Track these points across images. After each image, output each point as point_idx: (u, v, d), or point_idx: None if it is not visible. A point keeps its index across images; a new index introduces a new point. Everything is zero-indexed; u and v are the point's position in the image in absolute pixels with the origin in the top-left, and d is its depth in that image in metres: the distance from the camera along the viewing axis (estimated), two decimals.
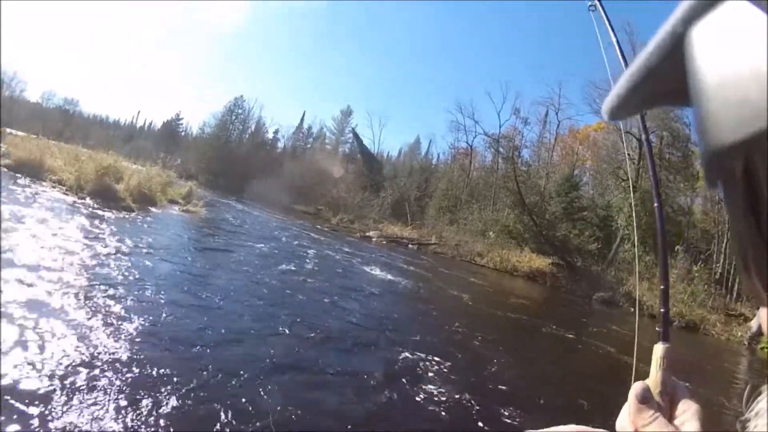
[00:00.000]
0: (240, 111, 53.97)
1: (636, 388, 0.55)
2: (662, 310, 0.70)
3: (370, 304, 9.54)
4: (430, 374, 5.81)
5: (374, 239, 25.98)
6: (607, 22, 1.12)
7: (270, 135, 59.44)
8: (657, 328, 0.66)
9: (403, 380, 5.41)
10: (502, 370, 6.72)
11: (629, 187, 23.22)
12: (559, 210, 26.92)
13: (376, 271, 14.16)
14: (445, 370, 6.10)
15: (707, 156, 0.25)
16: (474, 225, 30.50)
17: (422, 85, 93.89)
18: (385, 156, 57.03)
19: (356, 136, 56.51)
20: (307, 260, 13.34)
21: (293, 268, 11.42)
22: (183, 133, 63.49)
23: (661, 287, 0.74)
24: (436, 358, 6.38)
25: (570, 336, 10.92)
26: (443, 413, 4.75)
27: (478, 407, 5.05)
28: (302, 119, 61.93)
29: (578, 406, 5.89)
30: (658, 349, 0.61)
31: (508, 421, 4.92)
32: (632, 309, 17.16)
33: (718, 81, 0.24)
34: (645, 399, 0.54)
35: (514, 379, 6.45)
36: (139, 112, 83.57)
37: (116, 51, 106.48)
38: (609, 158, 27.93)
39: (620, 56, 1.02)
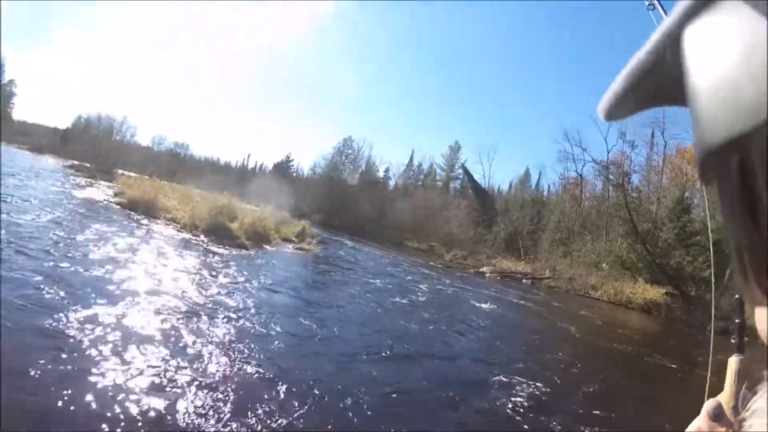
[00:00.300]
0: (350, 151, 54.81)
1: (708, 405, 0.55)
2: (737, 321, 0.67)
3: (477, 335, 10.16)
4: (528, 401, 6.32)
5: (487, 275, 26.22)
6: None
7: (381, 173, 59.91)
8: (732, 340, 0.64)
9: (502, 405, 6.02)
10: (602, 400, 7.04)
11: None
12: (672, 236, 26.15)
13: (487, 306, 14.44)
14: (545, 399, 6.57)
15: (703, 154, 0.25)
16: (587, 257, 30.33)
17: (527, 115, 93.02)
18: (495, 189, 56.35)
19: (466, 171, 56.29)
20: (420, 295, 13.82)
21: (405, 302, 12.00)
22: (294, 174, 64.47)
23: (736, 297, 0.69)
24: (539, 385, 6.94)
25: (674, 366, 10.88)
26: None
27: None
28: (411, 157, 62.45)
29: None
30: (733, 362, 0.59)
31: None
32: (747, 338, 16.81)
33: (714, 78, 0.25)
34: (717, 416, 0.54)
35: (614, 408, 6.76)
36: (249, 154, 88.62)
37: (221, 97, 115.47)
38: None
39: None
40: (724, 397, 0.56)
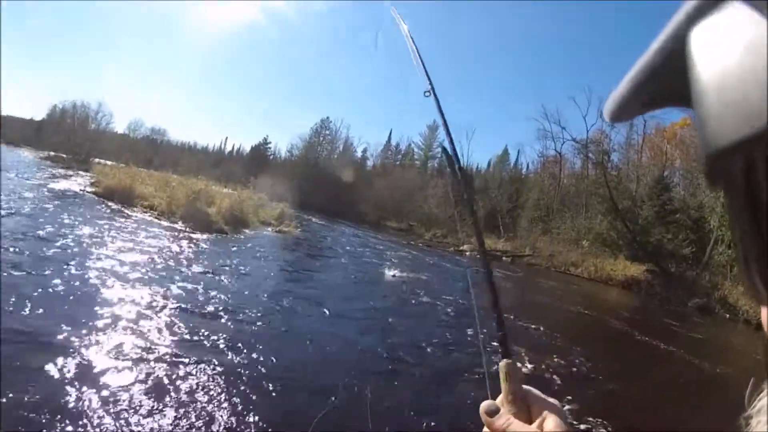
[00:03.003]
0: (327, 132, 54.73)
1: (482, 405, 0.62)
2: (500, 332, 0.73)
3: (448, 311, 10.00)
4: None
5: (467, 253, 26.35)
6: (438, 110, 1.09)
7: (359, 154, 60.47)
8: (499, 350, 0.71)
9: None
10: (580, 375, 7.12)
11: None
12: (652, 214, 26.32)
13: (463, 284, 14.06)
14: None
15: (709, 156, 0.25)
16: (567, 234, 30.43)
17: (507, 95, 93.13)
18: (474, 168, 56.15)
19: (445, 150, 56.41)
20: (398, 269, 14.22)
21: (385, 279, 12.45)
22: (272, 156, 64.60)
23: (494, 315, 0.76)
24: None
25: (654, 343, 10.82)
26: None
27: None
28: (389, 136, 63.24)
29: (659, 414, 6.09)
30: (502, 366, 0.66)
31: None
32: (728, 315, 17.02)
33: (719, 81, 0.25)
34: (492, 412, 0.62)
35: (592, 385, 6.82)
36: (226, 137, 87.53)
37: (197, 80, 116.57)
38: (698, 155, 26.51)
39: (448, 138, 1.03)
40: (502, 395, 0.65)
